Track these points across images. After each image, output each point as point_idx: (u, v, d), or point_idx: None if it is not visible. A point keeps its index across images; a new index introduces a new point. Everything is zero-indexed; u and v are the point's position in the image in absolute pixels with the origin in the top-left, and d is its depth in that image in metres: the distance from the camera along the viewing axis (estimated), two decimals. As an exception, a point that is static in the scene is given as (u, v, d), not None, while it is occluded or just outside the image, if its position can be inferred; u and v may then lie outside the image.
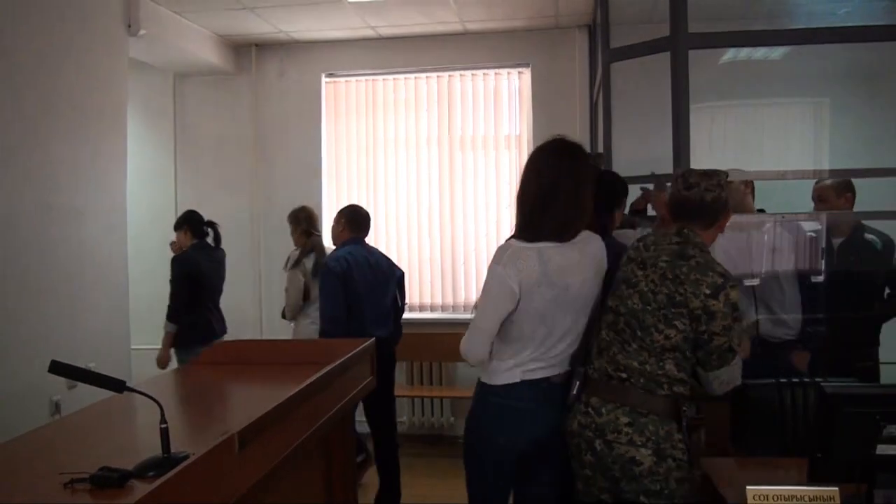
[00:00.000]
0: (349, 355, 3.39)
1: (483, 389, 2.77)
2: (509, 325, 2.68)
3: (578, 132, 6.34)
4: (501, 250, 2.67)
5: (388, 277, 4.71)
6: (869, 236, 3.92)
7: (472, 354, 2.71)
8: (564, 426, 2.65)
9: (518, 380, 2.69)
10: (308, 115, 6.88)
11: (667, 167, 3.78)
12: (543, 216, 2.64)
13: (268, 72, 6.94)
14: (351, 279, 4.41)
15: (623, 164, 4.40)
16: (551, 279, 2.62)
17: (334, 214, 4.66)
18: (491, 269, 2.66)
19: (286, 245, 6.44)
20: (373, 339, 3.82)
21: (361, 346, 3.61)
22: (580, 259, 2.68)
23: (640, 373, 2.50)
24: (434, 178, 6.80)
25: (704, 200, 2.58)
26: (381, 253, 4.79)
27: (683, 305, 2.46)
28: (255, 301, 6.95)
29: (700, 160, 3.58)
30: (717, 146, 5.33)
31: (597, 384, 2.60)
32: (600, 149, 4.80)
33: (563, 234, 2.65)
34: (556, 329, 2.68)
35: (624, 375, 2.51)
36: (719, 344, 2.47)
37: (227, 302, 6.19)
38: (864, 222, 4.03)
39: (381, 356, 4.16)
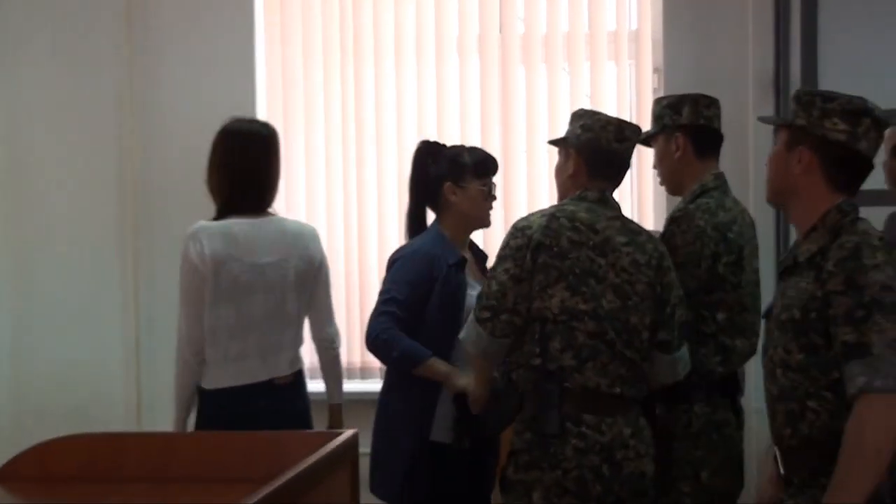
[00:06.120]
0: (315, 460, 2.51)
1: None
2: None
3: (751, 35, 4.26)
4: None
5: None
6: None
7: None
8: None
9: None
10: (230, 9, 4.50)
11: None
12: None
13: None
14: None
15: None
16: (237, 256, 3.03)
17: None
18: None
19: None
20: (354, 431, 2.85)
21: (339, 442, 2.70)
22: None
23: (632, 381, 2.71)
24: (473, 113, 4.46)
25: (629, 159, 2.93)
26: None
27: (657, 288, 2.73)
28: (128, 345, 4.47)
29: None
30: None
31: (585, 399, 2.73)
32: (795, 71, 4.04)
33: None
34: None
35: (618, 390, 2.69)
36: (680, 316, 2.78)
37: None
38: None
39: None
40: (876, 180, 3.29)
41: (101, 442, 2.98)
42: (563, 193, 2.95)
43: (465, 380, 2.92)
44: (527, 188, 4.51)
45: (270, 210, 3.06)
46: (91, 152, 4.40)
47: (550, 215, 2.77)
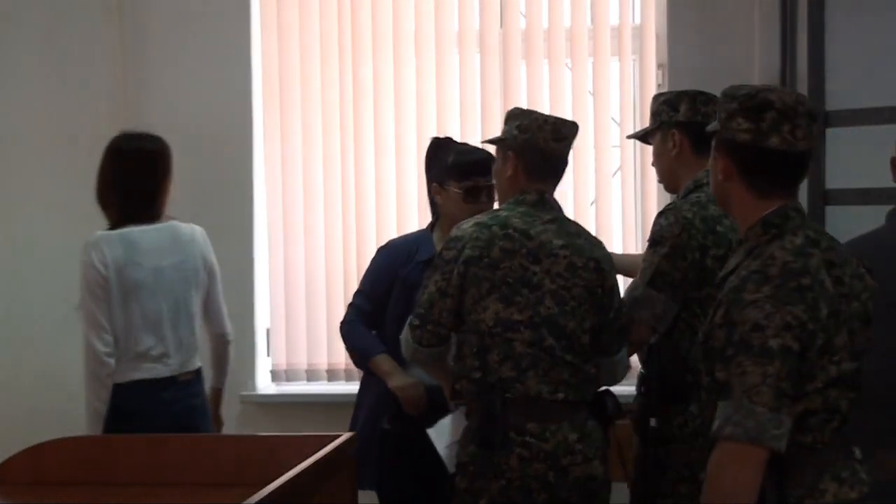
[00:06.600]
0: (311, 464, 2.52)
1: None
2: None
3: (757, 30, 4.25)
4: None
5: None
6: None
7: None
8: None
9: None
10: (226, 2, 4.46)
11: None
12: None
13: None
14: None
15: (846, 92, 3.81)
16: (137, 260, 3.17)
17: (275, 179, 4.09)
18: None
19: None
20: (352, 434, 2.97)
21: (336, 445, 2.76)
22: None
23: (576, 385, 2.70)
24: (474, 110, 4.41)
25: (567, 158, 2.90)
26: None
27: (598, 291, 2.73)
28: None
29: None
30: None
31: (528, 408, 2.71)
32: (802, 67, 4.00)
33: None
34: None
35: (561, 396, 2.68)
36: (622, 320, 2.80)
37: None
38: None
39: None
40: (875, 179, 3.34)
41: (93, 444, 2.99)
42: (502, 196, 2.95)
43: (400, 381, 3.06)
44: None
45: (163, 216, 3.22)
46: (84, 150, 4.18)
47: (483, 224, 2.76)
